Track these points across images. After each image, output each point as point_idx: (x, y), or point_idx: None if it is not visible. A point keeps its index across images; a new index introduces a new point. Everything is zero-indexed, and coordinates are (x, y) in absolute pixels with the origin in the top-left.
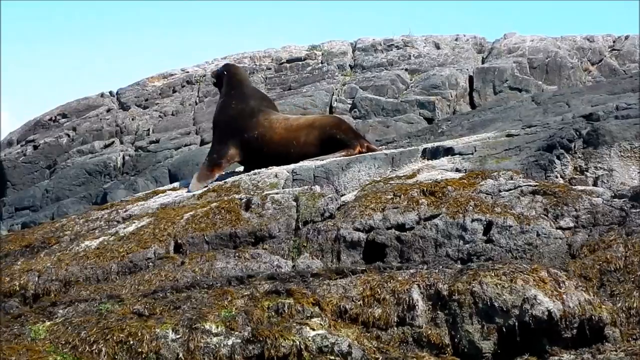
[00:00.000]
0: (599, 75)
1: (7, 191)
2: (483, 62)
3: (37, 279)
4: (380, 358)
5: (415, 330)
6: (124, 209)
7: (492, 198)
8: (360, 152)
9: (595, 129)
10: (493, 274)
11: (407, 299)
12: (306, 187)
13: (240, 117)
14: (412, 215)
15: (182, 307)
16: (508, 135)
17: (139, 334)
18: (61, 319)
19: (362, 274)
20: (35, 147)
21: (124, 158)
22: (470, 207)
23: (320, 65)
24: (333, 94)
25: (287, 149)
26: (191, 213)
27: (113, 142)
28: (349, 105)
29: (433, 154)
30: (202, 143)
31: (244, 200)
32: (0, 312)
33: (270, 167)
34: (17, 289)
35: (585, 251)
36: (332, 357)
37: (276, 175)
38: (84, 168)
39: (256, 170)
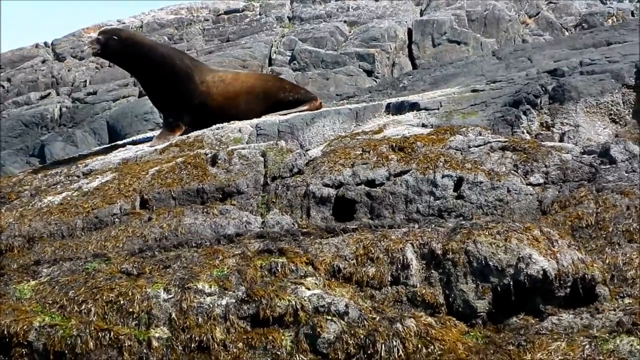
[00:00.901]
0: (536, 28)
1: None
2: (421, 15)
3: None
4: (377, 318)
5: (410, 289)
6: (84, 164)
7: (461, 154)
8: (317, 108)
9: (561, 85)
10: (487, 233)
11: (400, 258)
12: (272, 142)
13: (179, 84)
14: (382, 171)
15: (172, 266)
16: (473, 91)
17: (130, 294)
18: (46, 278)
19: (353, 233)
20: None
21: (60, 110)
22: (441, 163)
23: (258, 17)
24: (272, 46)
25: (229, 115)
26: (156, 168)
27: (49, 93)
28: (288, 58)
29: (398, 109)
30: (140, 95)
31: (210, 156)
32: None
33: (232, 122)
34: None
35: (556, 207)
36: (329, 317)
37: (240, 130)
38: (20, 120)
39: (219, 125)
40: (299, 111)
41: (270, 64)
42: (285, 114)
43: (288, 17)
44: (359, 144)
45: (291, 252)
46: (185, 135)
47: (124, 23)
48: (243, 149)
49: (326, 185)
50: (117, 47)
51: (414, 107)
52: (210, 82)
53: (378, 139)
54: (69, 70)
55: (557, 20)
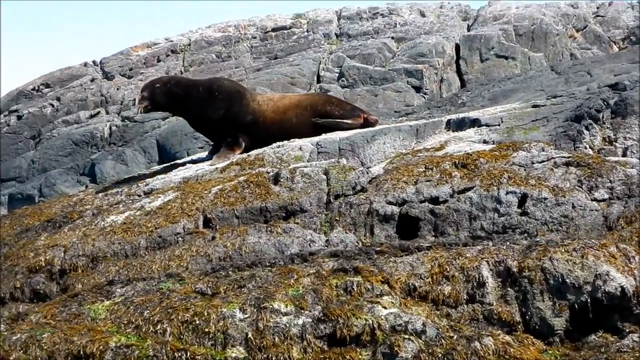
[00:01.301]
0: (584, 42)
1: None
2: (469, 30)
3: (63, 254)
4: (455, 336)
5: (486, 307)
6: (144, 183)
7: (525, 170)
8: (365, 121)
9: (623, 99)
10: (563, 250)
11: (476, 276)
12: (333, 160)
13: (233, 103)
14: (445, 188)
15: (246, 285)
16: (534, 106)
17: (205, 314)
18: (121, 299)
19: (427, 251)
20: (19, 118)
21: (110, 128)
22: (504, 180)
23: (305, 33)
24: (320, 63)
25: (282, 130)
26: (219, 187)
27: (99, 112)
28: (337, 74)
29: (458, 125)
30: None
31: (272, 174)
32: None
33: (292, 140)
34: (43, 264)
35: (622, 223)
36: (406, 336)
37: (300, 148)
38: (70, 138)
39: (280, 143)
40: (344, 124)
41: (318, 81)
42: (333, 124)
43: (335, 33)
44: (421, 161)
45: (366, 271)
46: (246, 154)
47: (171, 41)
48: (305, 167)
49: (390, 203)
50: (163, 92)
51: (475, 123)
52: (261, 100)
53: (440, 155)
54: (118, 89)
55: (605, 33)
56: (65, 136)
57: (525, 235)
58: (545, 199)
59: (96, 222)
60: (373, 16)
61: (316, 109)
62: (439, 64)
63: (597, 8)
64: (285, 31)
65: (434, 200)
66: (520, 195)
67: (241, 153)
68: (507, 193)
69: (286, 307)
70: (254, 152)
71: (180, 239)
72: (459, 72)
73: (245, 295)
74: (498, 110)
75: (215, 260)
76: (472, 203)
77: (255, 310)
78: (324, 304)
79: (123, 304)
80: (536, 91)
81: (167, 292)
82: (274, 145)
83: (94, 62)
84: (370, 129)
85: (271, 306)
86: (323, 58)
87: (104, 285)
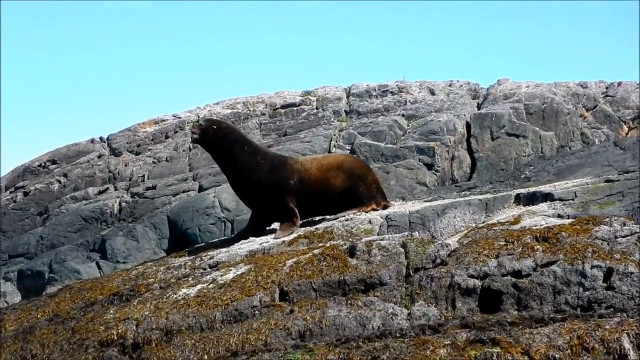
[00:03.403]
0: (594, 121)
1: None
2: (479, 108)
3: (135, 327)
4: None
5: None
6: (208, 256)
7: (608, 244)
8: (373, 210)
9: None
10: None
11: (617, 347)
12: (406, 233)
13: (275, 170)
14: (528, 261)
15: (380, 356)
16: (607, 181)
17: None
18: None
19: (563, 322)
20: (25, 194)
21: (120, 204)
22: (589, 254)
23: (315, 110)
24: (331, 140)
25: (324, 189)
26: (294, 260)
27: (107, 188)
28: (348, 151)
29: (529, 199)
30: (200, 189)
31: (346, 247)
32: None
33: (360, 214)
34: (115, 338)
35: None
36: None
37: (370, 222)
38: (79, 214)
39: (348, 217)
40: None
41: None
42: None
43: (345, 110)
44: (501, 234)
45: (504, 342)
46: (314, 227)
47: (179, 117)
48: (382, 240)
49: (471, 276)
50: (214, 135)
51: (548, 197)
52: (304, 161)
53: (517, 229)
54: (126, 165)
55: (615, 113)
56: (74, 212)
57: (612, 310)
58: (632, 273)
59: (167, 295)
60: (382, 94)
61: (352, 175)
62: (450, 142)
63: (607, 88)
64: (295, 108)
65: (517, 274)
66: (605, 269)
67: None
68: (592, 267)
69: None
70: (321, 226)
71: (257, 312)
72: (469, 150)
73: None
74: (570, 185)
75: (294, 333)
76: (556, 277)
77: None
78: None
79: None
80: (603, 166)
81: None
82: (342, 218)
83: (100, 138)
84: (440, 202)
85: None
86: (334, 135)
87: (227, 357)
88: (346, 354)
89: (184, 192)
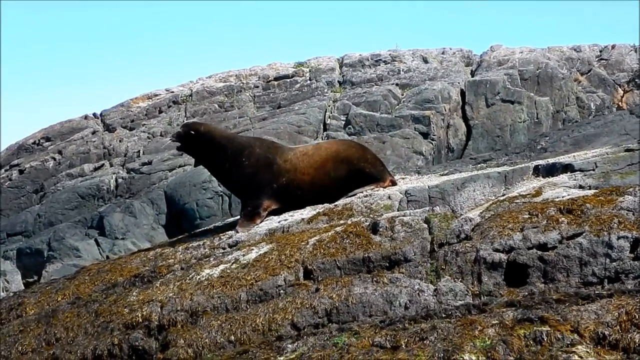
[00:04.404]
0: (589, 86)
1: None
2: (473, 75)
3: (159, 309)
4: None
5: None
6: (226, 235)
7: (633, 214)
8: (391, 184)
9: None
10: None
11: None
12: (427, 208)
13: (260, 171)
14: (553, 234)
15: (428, 338)
16: (627, 150)
17: None
18: (295, 354)
19: (610, 299)
20: (20, 172)
21: (116, 180)
22: (615, 225)
23: (308, 82)
24: (326, 111)
25: (322, 187)
26: (316, 238)
27: (103, 164)
28: (343, 122)
29: (549, 171)
30: (197, 164)
31: (369, 224)
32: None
33: (378, 189)
34: (140, 320)
35: None
36: None
37: (389, 197)
38: (76, 192)
39: (367, 193)
40: (371, 189)
41: (325, 129)
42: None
43: (339, 81)
44: (524, 207)
45: (553, 320)
46: (333, 204)
47: (172, 92)
48: (404, 216)
49: (496, 250)
50: (195, 140)
51: (567, 168)
52: (294, 159)
53: (540, 201)
54: (120, 141)
55: (610, 76)
56: (71, 189)
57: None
58: None
59: (190, 276)
60: (375, 63)
61: (351, 162)
62: (445, 110)
63: (600, 52)
64: (288, 80)
65: (542, 247)
66: (632, 239)
67: (266, 217)
68: (619, 238)
69: (477, 358)
70: (340, 202)
71: (282, 291)
72: (464, 117)
73: (431, 347)
74: (590, 155)
75: (321, 312)
76: (582, 249)
77: None
78: (517, 355)
79: (300, 359)
80: (621, 135)
81: (344, 346)
82: (361, 195)
83: (94, 114)
84: (458, 175)
85: (461, 358)
86: (328, 106)
87: (272, 341)
88: (393, 336)
89: (180, 167)
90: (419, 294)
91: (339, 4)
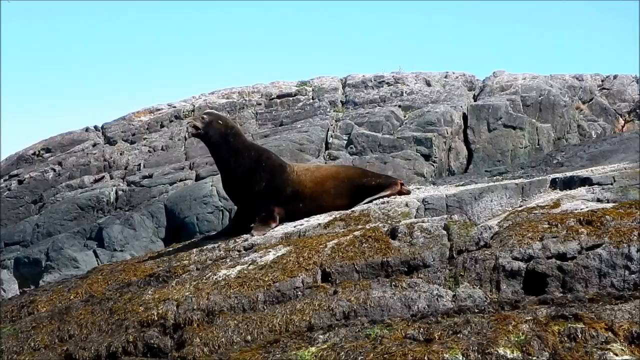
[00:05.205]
0: (590, 114)
1: None
2: (475, 100)
3: (175, 308)
4: None
5: None
6: (242, 239)
7: None
8: (401, 191)
9: None
10: None
11: None
12: (445, 216)
13: (275, 177)
14: (573, 244)
15: (462, 331)
16: None
17: (426, 359)
18: (328, 344)
19: None
20: (20, 182)
21: (116, 193)
22: (634, 237)
23: (311, 101)
24: (328, 130)
25: (320, 201)
26: (335, 241)
27: (103, 177)
28: (345, 141)
29: (566, 184)
30: (198, 178)
31: (388, 229)
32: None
33: (396, 197)
34: (155, 318)
35: None
36: None
37: (407, 205)
38: (75, 203)
39: (385, 199)
40: (384, 195)
41: (327, 148)
42: (372, 200)
43: (341, 101)
44: (543, 217)
45: (587, 318)
46: (350, 210)
47: (174, 107)
48: (423, 222)
49: (515, 258)
50: (219, 131)
51: (585, 182)
52: (299, 171)
53: (559, 212)
54: (121, 154)
55: (611, 106)
56: (70, 200)
57: None
58: None
59: (206, 276)
60: (379, 84)
61: (353, 180)
62: (447, 133)
63: (602, 81)
64: (291, 98)
65: (562, 257)
66: None
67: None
68: (638, 250)
69: (512, 352)
70: (357, 209)
71: (299, 293)
72: (466, 141)
73: (465, 341)
74: (608, 170)
75: (339, 314)
76: (601, 260)
77: (479, 356)
78: (551, 350)
79: (332, 349)
80: (637, 152)
81: (376, 337)
82: (378, 202)
83: (95, 127)
84: (475, 186)
85: (496, 352)
86: (331, 125)
87: (303, 332)
88: (426, 329)
89: (180, 180)
90: (437, 299)
91: (342, 25)
